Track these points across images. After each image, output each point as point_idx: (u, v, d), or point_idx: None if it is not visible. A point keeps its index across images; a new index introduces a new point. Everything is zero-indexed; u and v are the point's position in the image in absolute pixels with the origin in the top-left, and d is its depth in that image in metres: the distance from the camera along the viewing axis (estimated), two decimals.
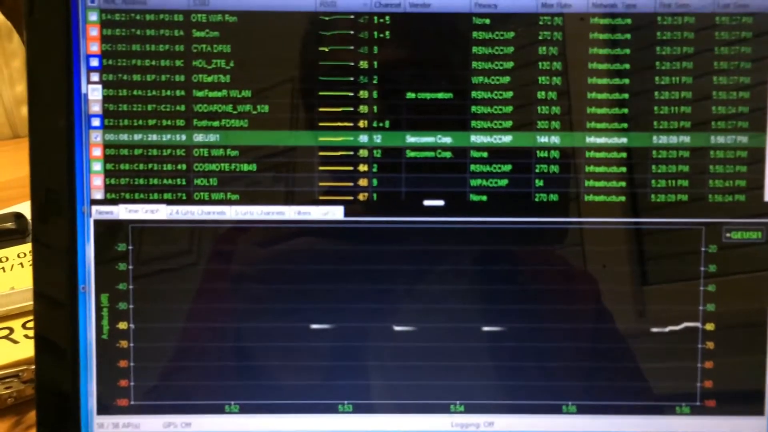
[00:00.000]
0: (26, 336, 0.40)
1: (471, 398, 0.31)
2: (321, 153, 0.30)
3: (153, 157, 0.30)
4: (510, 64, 0.30)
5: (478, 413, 0.31)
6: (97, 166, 0.30)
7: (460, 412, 0.31)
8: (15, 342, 0.40)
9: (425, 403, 0.31)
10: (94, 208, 0.30)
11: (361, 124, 0.30)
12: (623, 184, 0.31)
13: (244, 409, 0.31)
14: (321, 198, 0.31)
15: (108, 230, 0.31)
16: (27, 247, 0.49)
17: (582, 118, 0.31)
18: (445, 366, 0.31)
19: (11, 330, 0.41)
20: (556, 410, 0.31)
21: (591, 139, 0.31)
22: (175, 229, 0.31)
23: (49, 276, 0.30)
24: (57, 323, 0.31)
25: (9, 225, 0.53)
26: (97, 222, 0.31)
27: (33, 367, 0.31)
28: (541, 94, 0.31)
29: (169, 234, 0.31)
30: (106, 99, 0.30)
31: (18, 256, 0.48)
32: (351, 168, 0.31)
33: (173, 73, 0.30)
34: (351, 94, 0.30)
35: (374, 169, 0.31)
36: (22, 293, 0.42)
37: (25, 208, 0.55)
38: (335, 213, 0.31)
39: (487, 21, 0.30)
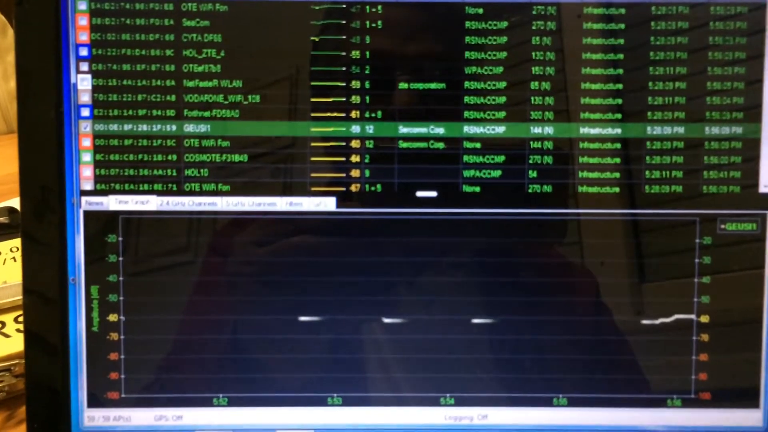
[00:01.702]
0: (18, 330, 0.40)
1: (461, 391, 0.31)
2: (313, 144, 0.30)
3: (143, 148, 0.30)
4: (503, 55, 0.30)
5: (468, 406, 0.31)
6: (86, 157, 0.30)
7: (451, 405, 0.31)
8: (7, 336, 0.39)
9: (415, 396, 0.31)
10: (84, 199, 0.30)
11: (354, 114, 0.30)
12: (617, 175, 0.31)
13: (233, 402, 0.31)
14: (313, 189, 0.30)
15: (98, 222, 0.30)
16: (19, 242, 0.49)
17: (576, 109, 0.30)
18: (435, 359, 0.31)
19: (3, 324, 0.40)
20: (546, 403, 0.31)
21: (585, 130, 0.30)
22: (165, 221, 0.30)
23: (38, 268, 0.30)
24: (47, 315, 0.30)
25: (2, 219, 0.53)
26: (87, 213, 0.30)
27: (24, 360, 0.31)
28: (534, 85, 0.30)
29: (159, 225, 0.30)
30: (95, 89, 0.30)
31: (11, 250, 0.48)
32: (343, 159, 0.30)
33: (163, 63, 0.30)
34: (343, 84, 0.30)
35: (366, 160, 0.30)
36: (14, 287, 0.42)
37: (18, 203, 0.55)
38: (327, 204, 0.30)
39: (480, 11, 0.30)
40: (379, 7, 0.30)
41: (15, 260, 0.47)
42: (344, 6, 0.30)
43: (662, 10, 0.30)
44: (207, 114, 0.30)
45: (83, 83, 0.30)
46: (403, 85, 0.30)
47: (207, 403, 0.31)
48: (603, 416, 0.31)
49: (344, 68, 0.30)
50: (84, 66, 0.30)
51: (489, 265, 0.31)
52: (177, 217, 0.30)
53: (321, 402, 0.31)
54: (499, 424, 0.31)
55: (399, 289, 0.31)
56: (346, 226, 0.30)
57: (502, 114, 0.30)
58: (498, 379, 0.31)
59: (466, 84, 0.30)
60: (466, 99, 0.30)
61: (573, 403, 0.31)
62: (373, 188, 0.30)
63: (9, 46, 0.89)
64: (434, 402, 0.31)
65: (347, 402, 0.31)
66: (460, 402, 0.31)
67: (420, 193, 0.30)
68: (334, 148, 0.30)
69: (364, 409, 0.31)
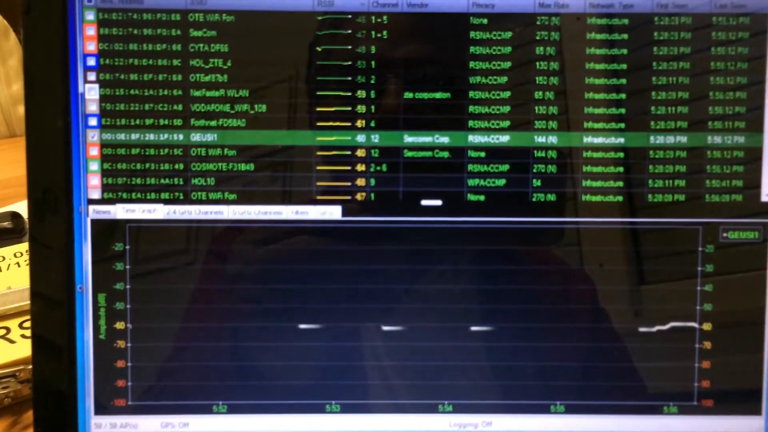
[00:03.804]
0: (23, 336, 0.40)
1: (459, 398, 0.31)
2: (319, 152, 0.30)
3: (150, 157, 0.30)
4: (507, 64, 0.30)
5: (466, 413, 0.31)
6: (94, 166, 0.30)
7: (449, 412, 0.31)
8: (12, 342, 0.40)
9: (413, 403, 0.31)
10: (92, 207, 0.30)
11: (359, 123, 0.30)
12: (620, 183, 0.31)
13: (232, 409, 0.31)
14: (319, 198, 0.31)
15: (105, 230, 0.31)
16: (24, 247, 0.49)
17: (579, 118, 0.31)
18: (433, 366, 0.31)
19: (8, 330, 0.41)
20: (544, 410, 0.31)
21: (588, 139, 0.31)
22: (172, 229, 0.31)
23: (46, 275, 0.30)
24: (54, 323, 0.31)
25: (6, 224, 0.53)
26: (94, 221, 0.30)
27: (30, 366, 0.31)
28: (538, 94, 0.31)
29: (166, 233, 0.31)
30: (103, 98, 0.30)
31: (15, 255, 0.48)
32: (349, 168, 0.31)
33: (170, 73, 0.30)
34: (349, 93, 0.30)
35: (372, 169, 0.31)
36: (19, 293, 0.42)
37: (22, 208, 0.55)
38: (333, 213, 0.31)
39: (485, 21, 0.30)
40: (385, 17, 0.30)
41: (19, 265, 0.47)
42: (350, 16, 0.30)
43: (665, 21, 0.30)
44: (214, 123, 0.30)
45: (91, 93, 0.30)
46: (408, 95, 0.30)
47: (207, 410, 0.31)
48: (601, 423, 0.31)
49: (349, 78, 0.30)
50: (92, 76, 0.30)
51: (493, 274, 0.31)
52: (183, 226, 0.31)
53: (319, 409, 0.31)
54: (504, 431, 0.31)
55: (404, 297, 0.31)
56: (352, 235, 0.31)
57: (506, 123, 0.31)
58: (495, 386, 0.31)
59: (471, 93, 0.30)
60: (471, 108, 0.30)
61: (570, 410, 0.31)
62: (378, 197, 0.31)
63: (11, 49, 0.89)
64: (432, 409, 0.31)
65: (345, 409, 0.31)
66: (457, 409, 0.31)
67: (425, 202, 0.31)
68: (340, 157, 0.31)
69: (363, 416, 0.31)
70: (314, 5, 0.30)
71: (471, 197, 0.31)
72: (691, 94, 0.31)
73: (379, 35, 0.30)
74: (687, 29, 0.30)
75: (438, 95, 0.30)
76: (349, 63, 0.30)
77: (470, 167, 0.31)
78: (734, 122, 0.31)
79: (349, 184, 0.31)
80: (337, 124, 0.30)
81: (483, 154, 0.31)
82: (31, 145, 0.30)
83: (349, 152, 0.31)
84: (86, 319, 0.31)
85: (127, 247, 0.31)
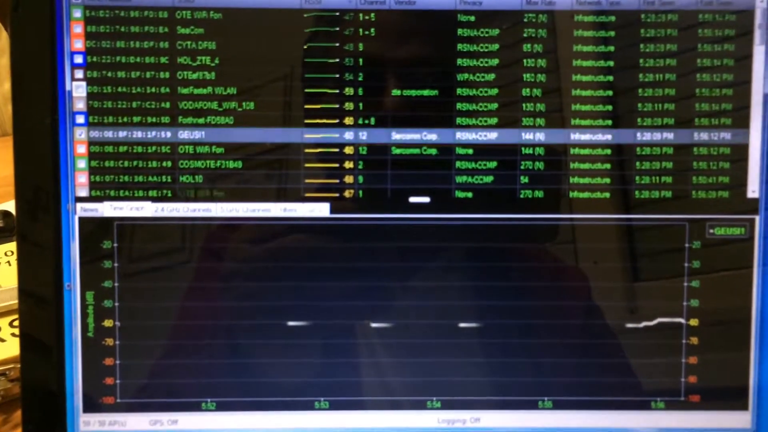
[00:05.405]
0: (13, 334, 0.40)
1: (447, 394, 0.31)
2: (307, 150, 0.31)
3: (138, 155, 0.30)
4: (495, 62, 0.31)
5: (454, 409, 0.31)
6: (81, 164, 0.30)
7: (437, 408, 0.31)
8: (2, 340, 0.39)
9: (402, 400, 0.31)
10: (79, 205, 0.30)
11: (347, 121, 0.30)
12: (608, 180, 0.31)
13: (221, 407, 0.31)
14: (307, 195, 0.31)
15: (93, 228, 0.30)
16: (14, 245, 0.49)
17: (567, 115, 0.31)
18: (421, 362, 0.31)
19: None
20: (531, 406, 0.31)
21: (576, 136, 0.31)
22: (160, 227, 0.31)
23: (34, 273, 0.30)
24: (42, 321, 0.31)
25: None
26: (82, 219, 0.30)
27: (20, 365, 0.31)
28: (526, 92, 0.31)
29: (154, 231, 0.31)
30: (90, 96, 0.30)
31: (5, 254, 0.48)
32: (337, 165, 0.31)
33: (158, 70, 0.30)
34: (336, 91, 0.30)
35: (360, 166, 0.31)
36: (9, 291, 0.42)
37: (12, 206, 0.55)
38: (321, 210, 0.31)
39: (472, 18, 0.30)
40: (372, 15, 0.30)
41: (9, 264, 0.47)
42: (337, 13, 0.30)
43: (652, 18, 0.31)
44: (201, 121, 0.30)
45: (78, 90, 0.30)
46: (396, 92, 0.30)
47: (196, 407, 0.31)
48: (588, 419, 0.31)
49: (337, 75, 0.30)
50: (79, 73, 0.30)
51: (481, 270, 0.31)
52: (172, 223, 0.31)
53: (308, 406, 0.31)
54: (492, 427, 0.31)
55: (392, 294, 0.31)
56: (340, 232, 0.31)
57: (494, 120, 0.31)
58: (483, 382, 0.31)
59: (459, 91, 0.30)
60: (459, 105, 0.31)
61: (558, 405, 0.31)
62: (366, 194, 0.31)
63: (2, 48, 0.89)
64: (421, 405, 0.31)
65: (334, 406, 0.31)
66: (446, 405, 0.31)
67: (413, 199, 0.31)
68: (328, 154, 0.31)
69: (352, 413, 0.31)
70: (302, 2, 0.30)
71: (459, 194, 0.31)
72: (678, 92, 0.31)
73: (366, 32, 0.30)
74: (674, 26, 0.31)
75: (426, 92, 0.30)
76: (337, 60, 0.30)
77: (458, 164, 0.31)
78: (721, 119, 0.31)
79: (337, 181, 0.31)
80: (325, 121, 0.30)
81: (471, 151, 0.31)
82: (18, 143, 0.30)
83: (337, 149, 0.31)
84: (74, 317, 0.31)
85: (115, 245, 0.31)
